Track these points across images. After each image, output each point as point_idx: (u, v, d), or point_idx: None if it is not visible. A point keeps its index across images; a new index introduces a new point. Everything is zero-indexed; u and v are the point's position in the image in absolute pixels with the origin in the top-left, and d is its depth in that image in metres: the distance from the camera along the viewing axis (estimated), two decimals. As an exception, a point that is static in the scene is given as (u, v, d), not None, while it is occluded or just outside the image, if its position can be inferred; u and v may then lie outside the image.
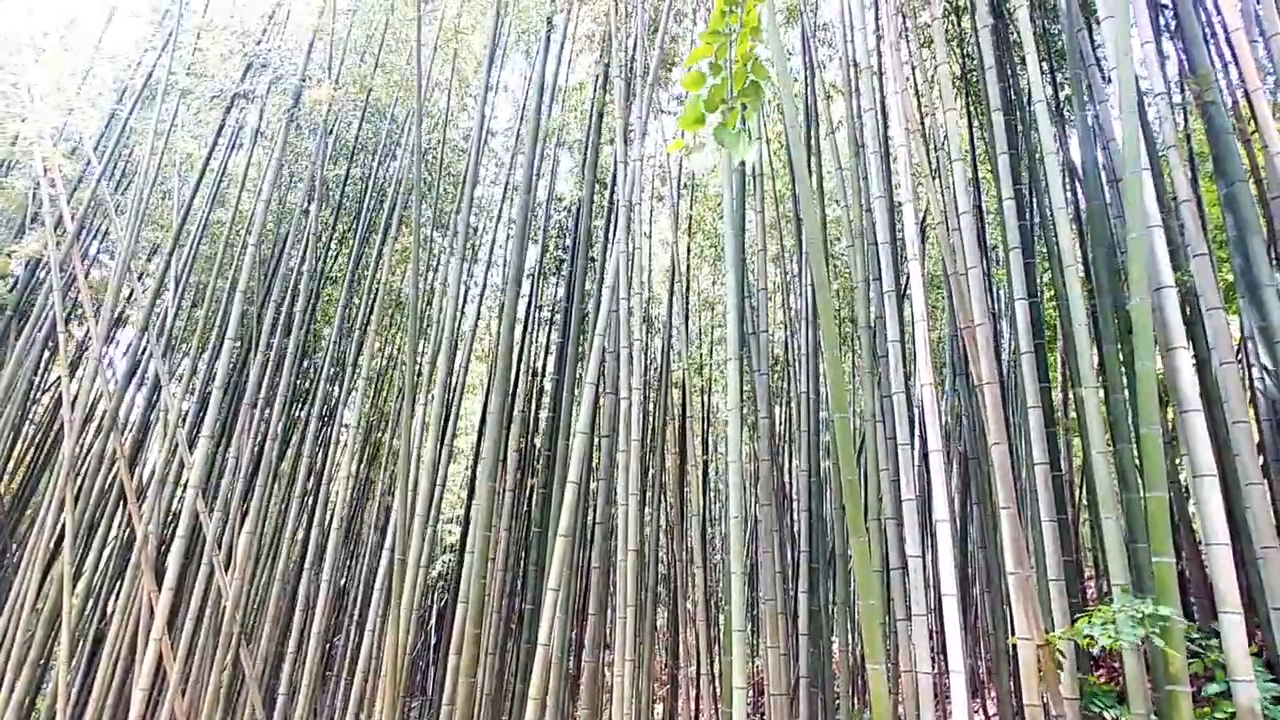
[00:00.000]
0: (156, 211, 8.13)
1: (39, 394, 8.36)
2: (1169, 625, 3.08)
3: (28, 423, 8.26)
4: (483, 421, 9.01)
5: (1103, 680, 5.45)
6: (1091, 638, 3.23)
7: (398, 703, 4.95)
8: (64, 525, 6.10)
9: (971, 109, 5.97)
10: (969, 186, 4.20)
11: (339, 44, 7.65)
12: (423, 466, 5.39)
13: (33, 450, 8.57)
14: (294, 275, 7.16)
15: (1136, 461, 3.76)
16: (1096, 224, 4.01)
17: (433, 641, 10.43)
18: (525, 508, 6.92)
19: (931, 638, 4.98)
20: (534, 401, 7.54)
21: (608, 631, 6.57)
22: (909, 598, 4.63)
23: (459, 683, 4.84)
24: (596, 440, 5.43)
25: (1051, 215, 4.16)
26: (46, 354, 7.97)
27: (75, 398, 6.65)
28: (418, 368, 6.62)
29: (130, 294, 8.12)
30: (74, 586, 6.00)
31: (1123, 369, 4.03)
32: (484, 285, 7.46)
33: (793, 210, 6.07)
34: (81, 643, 7.20)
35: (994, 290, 6.18)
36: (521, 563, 6.73)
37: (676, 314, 6.43)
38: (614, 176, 6.03)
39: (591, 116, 6.66)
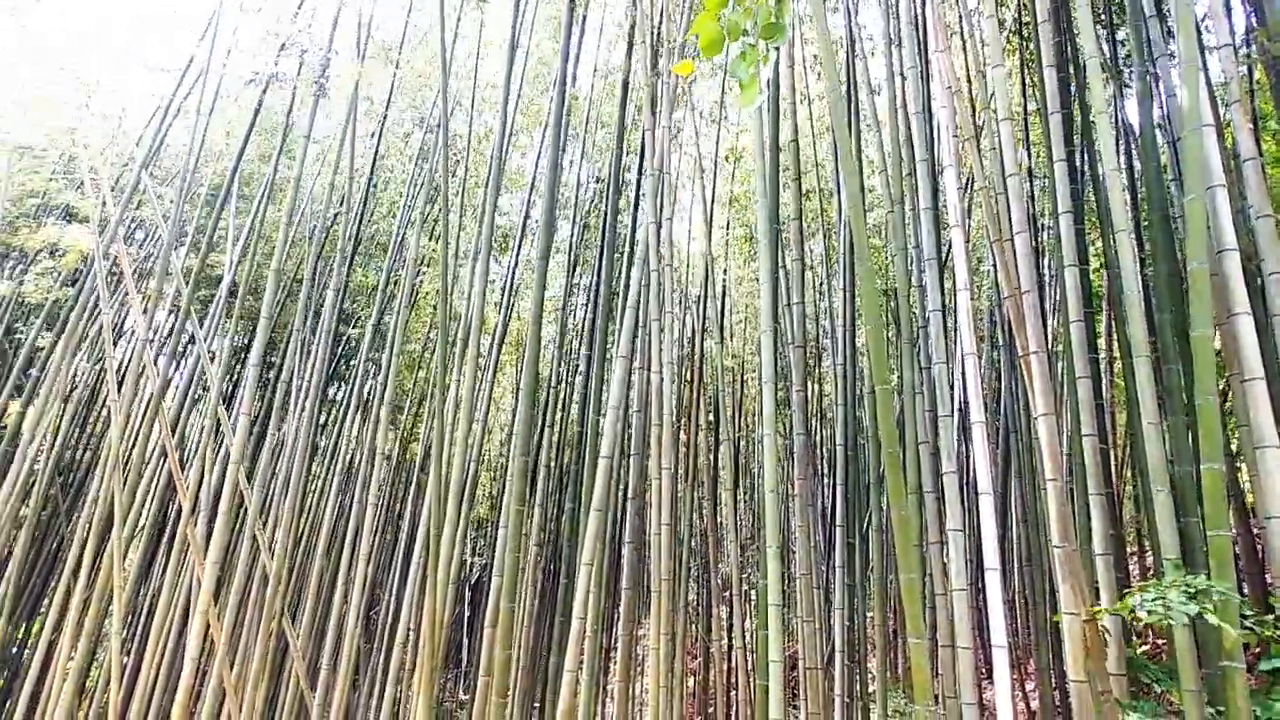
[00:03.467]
0: (196, 197, 8.26)
1: (89, 377, 8.59)
2: (1225, 600, 2.98)
3: (80, 404, 8.51)
4: (516, 398, 9.08)
5: (1147, 656, 5.34)
6: (1137, 614, 3.14)
7: (435, 673, 5.04)
8: (113, 500, 6.29)
9: (1022, 66, 5.73)
10: (1016, 148, 4.03)
11: (365, 25, 7.62)
12: (456, 443, 5.43)
13: (84, 430, 8.84)
14: (331, 255, 7.21)
15: (1189, 433, 3.62)
16: (1152, 186, 3.82)
17: (467, 615, 10.64)
18: (558, 484, 6.96)
19: (970, 612, 4.91)
20: (566, 379, 7.54)
21: (641, 605, 6.62)
22: (948, 572, 4.56)
23: (495, 654, 4.90)
24: (629, 416, 5.41)
25: (1104, 178, 3.97)
26: (94, 338, 8.17)
27: (122, 379, 6.83)
28: (449, 347, 6.64)
29: (172, 279, 8.26)
30: (124, 560, 6.20)
31: (1175, 338, 3.87)
32: (515, 263, 7.43)
33: (831, 178, 5.92)
34: (132, 614, 7.48)
35: (1039, 257, 5.98)
36: (555, 538, 6.79)
37: (709, 289, 6.35)
38: (642, 147, 5.93)
39: (620, 88, 6.56)
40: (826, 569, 6.63)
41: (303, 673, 6.19)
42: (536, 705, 6.48)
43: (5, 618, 6.72)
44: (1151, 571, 4.86)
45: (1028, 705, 6.57)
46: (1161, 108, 4.18)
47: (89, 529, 6.41)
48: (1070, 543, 3.56)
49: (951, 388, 4.33)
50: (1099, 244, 5.72)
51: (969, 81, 5.58)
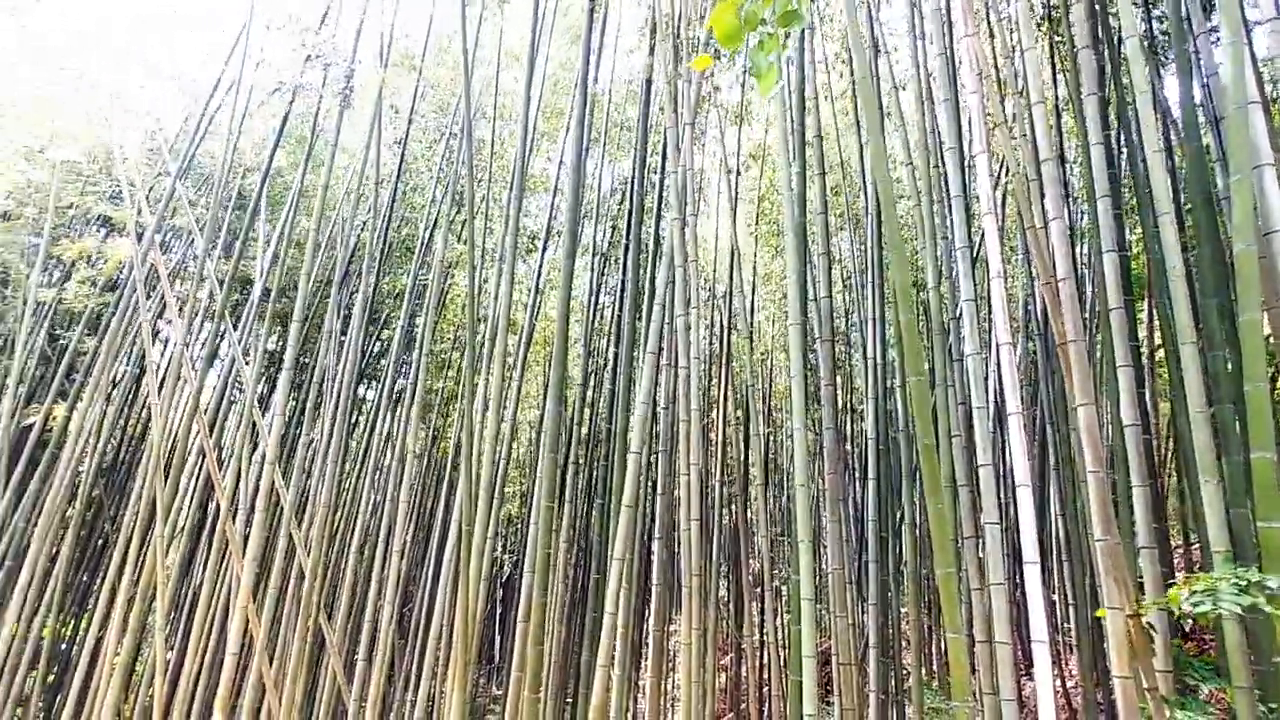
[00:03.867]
0: (229, 204, 8.44)
1: (130, 382, 8.82)
2: (1277, 594, 2.88)
3: (121, 407, 8.74)
4: (545, 396, 9.13)
5: (1193, 653, 5.19)
6: (1185, 608, 3.04)
7: (469, 668, 5.09)
8: (154, 499, 6.46)
9: (1051, 51, 5.60)
10: (1050, 133, 3.93)
11: (387, 34, 7.72)
12: (485, 441, 5.47)
13: (125, 433, 9.09)
14: (360, 259, 7.31)
15: (1237, 421, 3.51)
16: (1194, 167, 3.70)
17: (499, 612, 10.74)
18: (587, 481, 6.97)
19: (1009, 607, 4.81)
20: (594, 377, 7.56)
21: (671, 600, 6.62)
22: (984, 566, 4.47)
23: (528, 650, 4.93)
24: (656, 411, 5.40)
25: (1143, 160, 3.86)
26: (133, 343, 8.38)
27: (161, 383, 6.99)
28: (477, 346, 6.70)
29: (208, 286, 8.45)
30: (166, 557, 6.36)
31: (1222, 323, 3.75)
32: (540, 264, 7.47)
33: (856, 173, 5.85)
34: (175, 610, 7.67)
35: (1075, 243, 5.84)
36: (585, 534, 6.81)
37: (736, 285, 6.31)
38: (665, 145, 5.91)
39: (642, 87, 6.54)
40: (859, 564, 6.56)
41: (339, 668, 6.29)
42: (569, 701, 6.51)
43: (54, 614, 6.94)
44: (1199, 565, 4.72)
45: (1069, 702, 6.44)
46: (1203, 86, 4.05)
47: (132, 528, 6.59)
48: (1113, 536, 3.46)
49: (986, 379, 4.25)
50: (1137, 229, 5.57)
51: (996, 68, 5.46)
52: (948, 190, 4.29)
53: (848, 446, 7.55)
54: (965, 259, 4.04)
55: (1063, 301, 3.54)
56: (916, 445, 4.99)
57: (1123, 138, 4.82)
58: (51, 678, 7.81)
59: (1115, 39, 4.81)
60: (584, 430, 7.03)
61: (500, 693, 9.77)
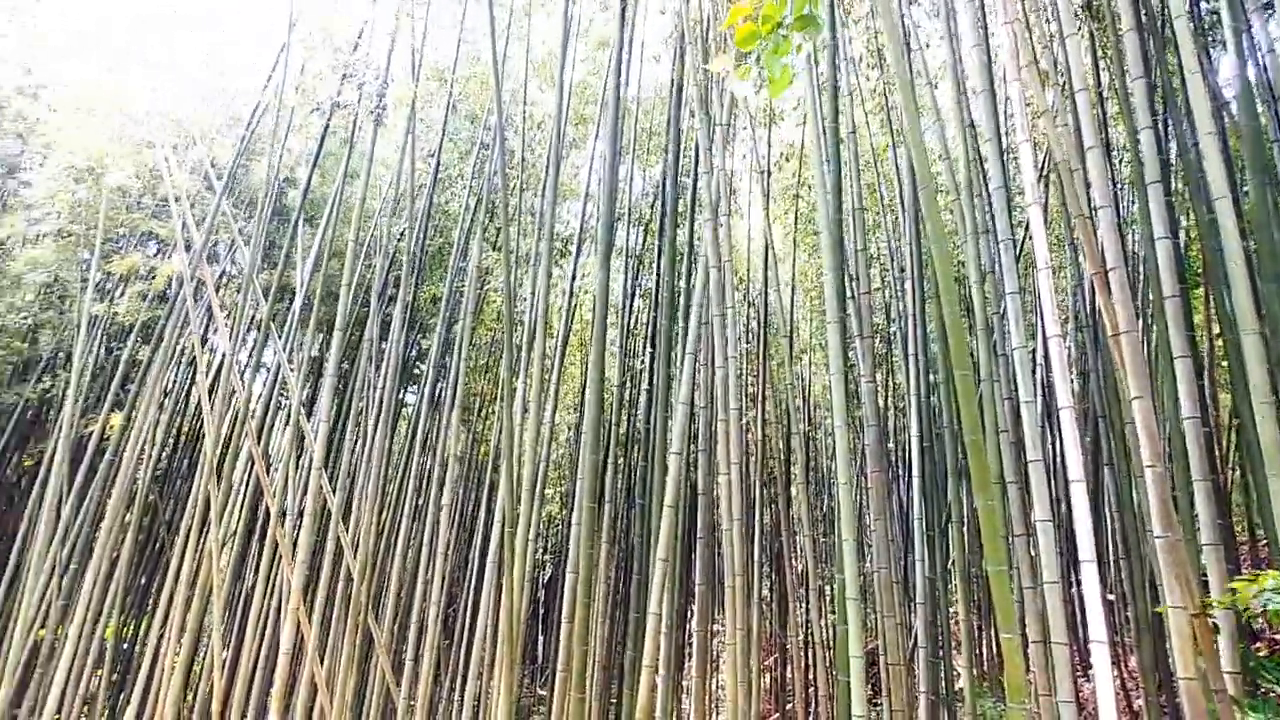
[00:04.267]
0: (272, 221, 8.70)
1: (181, 390, 9.13)
2: (1356, 591, 2.76)
3: (174, 415, 9.04)
4: (582, 399, 9.19)
5: (1263, 654, 4.99)
6: (1253, 606, 2.93)
7: (515, 668, 5.15)
8: (208, 505, 6.67)
9: (1091, 38, 5.45)
10: (1095, 120, 3.83)
11: (419, 49, 7.88)
12: (525, 443, 5.52)
13: (178, 440, 9.40)
14: (399, 268, 7.46)
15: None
16: (1252, 148, 3.57)
17: (541, 612, 10.82)
18: (626, 481, 7.00)
19: (1063, 606, 4.68)
20: (630, 378, 7.59)
21: (714, 601, 6.60)
22: (1036, 564, 4.37)
23: (572, 650, 4.97)
24: (695, 411, 5.40)
25: (1195, 144, 3.74)
26: (184, 354, 8.67)
27: (213, 394, 7.22)
28: (515, 350, 6.77)
29: (250, 294, 8.70)
30: (220, 560, 6.56)
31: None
32: (575, 267, 7.52)
33: (890, 168, 5.77)
34: (229, 612, 7.90)
35: (1122, 232, 5.68)
36: (625, 534, 6.83)
37: (771, 284, 6.27)
38: (696, 148, 5.91)
39: (673, 89, 6.55)
40: (904, 563, 6.46)
41: (388, 667, 6.41)
42: (613, 701, 6.54)
43: (117, 615, 7.22)
44: (1266, 563, 4.54)
45: (1129, 704, 6.24)
46: (1258, 65, 3.90)
47: (188, 532, 6.82)
48: (1174, 532, 3.35)
49: (1034, 373, 4.15)
50: (1185, 216, 5.39)
51: (1035, 57, 5.34)
52: (987, 183, 4.21)
53: (889, 444, 7.43)
54: (1008, 251, 3.96)
55: (1115, 291, 3.44)
56: (962, 442, 4.90)
57: (1170, 123, 4.67)
58: (115, 676, 8.11)
59: (1159, 22, 4.67)
60: (622, 431, 7.06)
61: (544, 692, 9.84)
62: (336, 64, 7.98)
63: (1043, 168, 6.11)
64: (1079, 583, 6.93)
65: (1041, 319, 5.86)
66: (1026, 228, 6.54)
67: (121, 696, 8.32)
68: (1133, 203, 5.63)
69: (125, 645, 8.62)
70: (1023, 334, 3.91)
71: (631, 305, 7.91)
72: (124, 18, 8.98)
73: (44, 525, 7.26)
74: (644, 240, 8.42)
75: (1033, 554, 4.27)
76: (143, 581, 8.75)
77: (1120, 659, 6.69)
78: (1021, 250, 5.77)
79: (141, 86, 8.47)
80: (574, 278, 7.67)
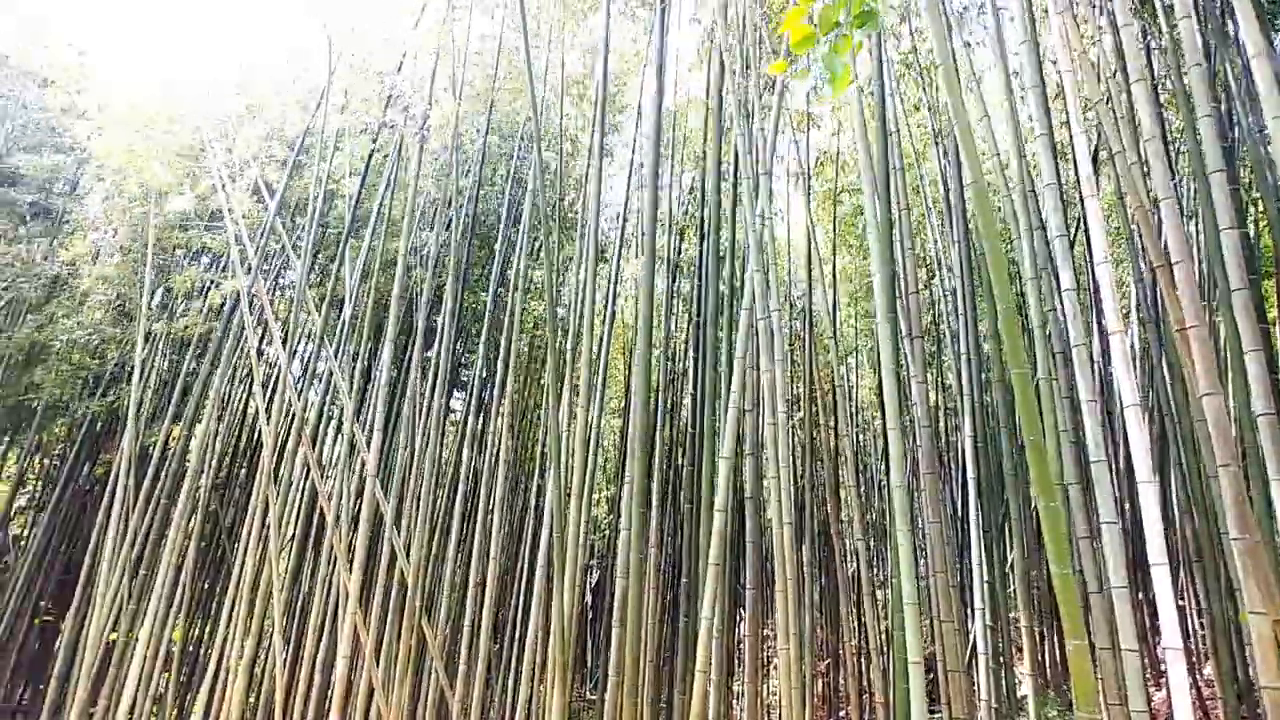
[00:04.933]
0: (326, 241, 9.00)
1: (240, 403, 9.45)
2: None
3: (232, 425, 9.37)
4: (624, 403, 9.23)
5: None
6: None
7: (568, 671, 5.19)
8: (267, 513, 6.89)
9: (1144, 31, 5.29)
10: (1153, 109, 3.71)
11: (459, 69, 8.07)
12: (574, 448, 5.57)
13: (237, 449, 9.73)
14: (444, 277, 7.62)
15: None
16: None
17: (588, 616, 10.88)
18: (672, 484, 7.00)
19: (1132, 612, 4.51)
20: (674, 382, 7.60)
21: (764, 605, 6.55)
22: (1102, 569, 4.23)
23: (624, 655, 4.98)
24: (743, 414, 5.38)
25: (1261, 129, 3.59)
26: (242, 365, 8.98)
27: (269, 404, 7.48)
28: (560, 357, 6.85)
29: (304, 309, 8.98)
30: (279, 566, 6.77)
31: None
32: (615, 272, 7.57)
33: (934, 166, 5.68)
34: (289, 616, 8.13)
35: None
36: (673, 538, 6.83)
37: (815, 284, 6.22)
38: (736, 150, 5.90)
39: (708, 93, 6.56)
40: (960, 566, 6.32)
41: (442, 670, 6.52)
42: (664, 705, 6.53)
43: (183, 619, 7.50)
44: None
45: (1206, 714, 5.98)
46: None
47: (248, 538, 7.04)
48: (1252, 534, 3.22)
49: (1093, 370, 4.03)
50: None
51: (1084, 48, 5.21)
52: (1032, 178, 4.11)
53: (943, 445, 7.28)
54: (1064, 246, 3.86)
55: (1181, 285, 3.33)
56: (1020, 442, 4.78)
57: (1231, 110, 4.50)
58: (182, 677, 8.42)
59: (1220, 7, 4.51)
60: (666, 434, 7.07)
61: (593, 697, 9.88)
62: (380, 89, 8.25)
63: (1097, 160, 5.94)
64: (1144, 587, 6.68)
65: (1101, 315, 5.69)
66: (1079, 223, 6.37)
67: (188, 696, 8.63)
68: (1193, 194, 5.44)
69: (191, 647, 8.95)
70: (1081, 330, 3.81)
71: (671, 309, 7.93)
72: (173, 41, 9.40)
73: (113, 532, 7.59)
74: (679, 245, 8.45)
75: (1097, 557, 4.15)
76: (206, 586, 9.06)
77: (1195, 667, 6.42)
78: (1074, 243, 5.61)
79: (194, 111, 8.83)
80: (614, 283, 7.73)
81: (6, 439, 10.40)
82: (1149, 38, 5.51)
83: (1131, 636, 3.73)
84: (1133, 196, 3.89)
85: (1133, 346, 6.15)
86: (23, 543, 10.00)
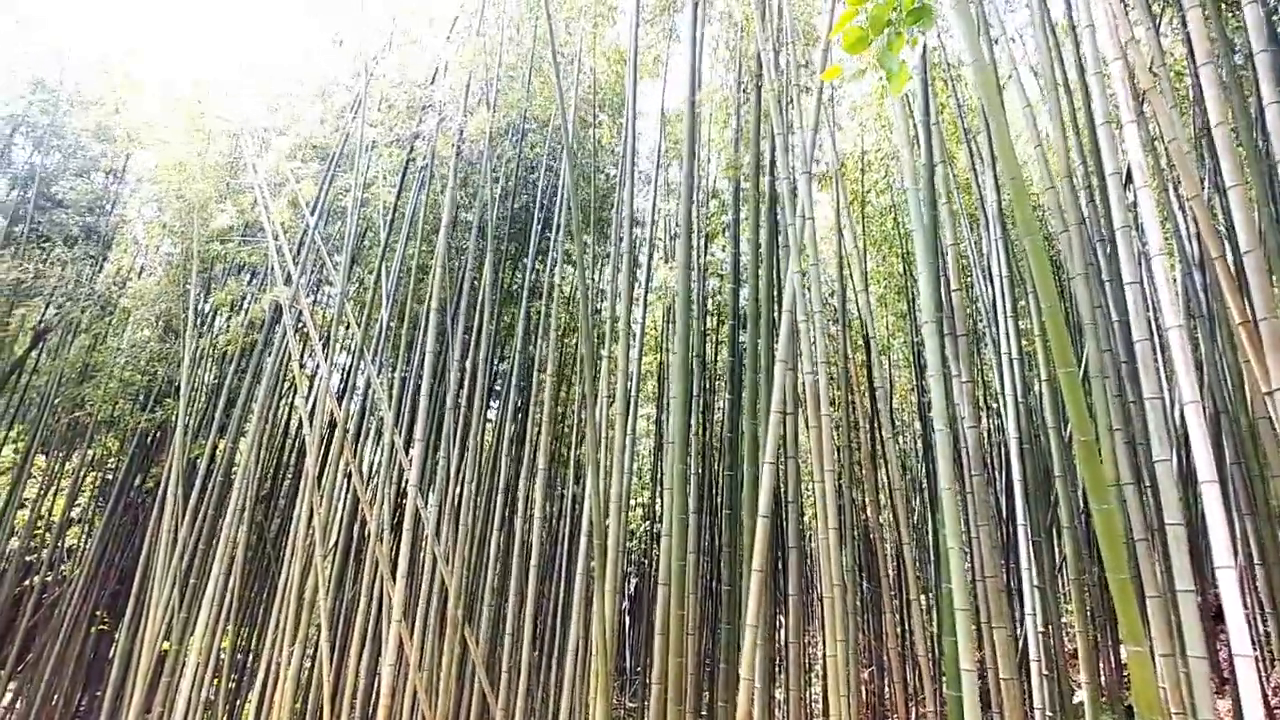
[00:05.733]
0: (362, 251, 9.16)
1: (282, 415, 9.64)
2: None
3: (276, 437, 9.56)
4: (657, 408, 9.21)
5: None
6: None
7: (610, 678, 5.18)
8: (311, 523, 7.00)
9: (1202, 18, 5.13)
10: (1219, 96, 3.58)
11: (491, 79, 8.16)
12: (613, 454, 5.57)
13: (281, 461, 9.92)
14: (478, 288, 7.69)
15: None
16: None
17: (625, 622, 10.86)
18: (711, 490, 6.96)
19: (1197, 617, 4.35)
20: (708, 387, 7.56)
21: (806, 611, 6.47)
22: (1162, 573, 4.10)
23: (668, 662, 4.96)
24: (785, 418, 5.33)
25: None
26: (284, 378, 9.17)
27: (311, 416, 7.60)
28: (595, 363, 6.87)
29: (343, 321, 9.15)
30: (324, 575, 6.87)
31: None
32: (648, 276, 7.57)
33: (987, 159, 5.57)
34: (334, 624, 8.26)
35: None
36: (712, 544, 6.78)
37: (854, 284, 6.14)
38: (772, 149, 5.86)
39: (738, 85, 6.54)
40: (1005, 570, 6.17)
41: (485, 678, 6.56)
42: (704, 714, 6.48)
43: (232, 627, 7.65)
44: None
45: (1271, 722, 5.76)
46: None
47: (293, 548, 7.17)
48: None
49: (1157, 368, 3.91)
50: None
51: (1133, 33, 5.07)
52: (1101, 166, 4.00)
53: (988, 446, 7.12)
54: (1127, 239, 3.75)
55: (1251, 274, 3.21)
56: (1070, 442, 4.65)
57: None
58: (230, 684, 8.59)
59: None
60: (705, 439, 7.03)
61: (632, 705, 9.86)
62: (414, 101, 8.38)
63: (1153, 149, 5.77)
64: (1204, 592, 6.45)
65: (1157, 310, 5.52)
66: (1137, 214, 6.19)
67: (237, 702, 8.81)
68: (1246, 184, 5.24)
69: (239, 655, 9.13)
70: (1142, 326, 3.69)
71: (706, 311, 7.90)
72: (209, 54, 9.67)
73: (163, 543, 7.79)
74: (708, 247, 8.42)
75: (1155, 561, 4.01)
76: (253, 595, 9.24)
77: (1263, 673, 6.18)
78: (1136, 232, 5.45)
79: (232, 125, 9.05)
80: (647, 288, 7.73)
81: (62, 453, 10.74)
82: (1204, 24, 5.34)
83: (1198, 643, 3.59)
84: (1189, 185, 3.77)
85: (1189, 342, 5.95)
86: (78, 554, 10.32)
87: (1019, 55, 5.66)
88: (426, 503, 7.01)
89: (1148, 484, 4.27)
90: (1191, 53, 3.55)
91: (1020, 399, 5.21)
